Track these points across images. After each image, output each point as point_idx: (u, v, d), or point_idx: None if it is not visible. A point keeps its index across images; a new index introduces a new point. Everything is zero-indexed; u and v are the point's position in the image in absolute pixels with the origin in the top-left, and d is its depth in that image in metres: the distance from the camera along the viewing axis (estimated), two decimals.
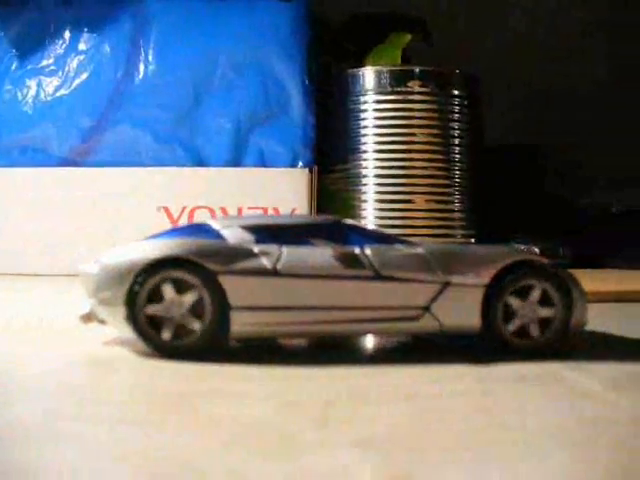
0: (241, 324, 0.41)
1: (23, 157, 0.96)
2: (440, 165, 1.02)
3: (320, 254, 0.42)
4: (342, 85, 1.03)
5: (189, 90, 0.96)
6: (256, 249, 0.42)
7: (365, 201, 1.01)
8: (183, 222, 0.95)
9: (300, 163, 0.97)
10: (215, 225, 0.44)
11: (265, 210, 0.96)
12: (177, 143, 0.96)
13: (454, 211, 1.03)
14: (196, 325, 0.41)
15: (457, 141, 1.03)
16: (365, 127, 1.01)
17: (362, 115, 1.01)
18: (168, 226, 0.95)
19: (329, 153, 1.05)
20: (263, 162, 0.97)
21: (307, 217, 0.49)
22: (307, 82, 0.98)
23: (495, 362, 0.42)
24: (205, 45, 0.96)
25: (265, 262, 0.41)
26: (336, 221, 0.47)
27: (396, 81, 0.99)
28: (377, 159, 1.01)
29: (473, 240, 1.03)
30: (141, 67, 0.96)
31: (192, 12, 0.96)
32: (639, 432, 0.29)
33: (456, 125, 1.03)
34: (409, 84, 0.99)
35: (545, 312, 0.43)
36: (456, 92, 1.03)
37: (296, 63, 0.97)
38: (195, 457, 0.24)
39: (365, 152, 1.01)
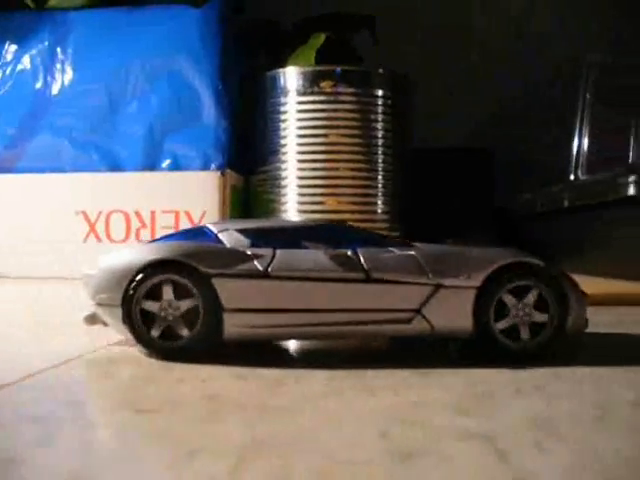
0: (234, 326, 0.41)
1: None
2: (362, 166, 1.00)
3: (313, 257, 0.42)
4: (262, 87, 1.03)
5: (105, 98, 0.99)
6: (250, 252, 0.42)
7: (286, 202, 1.01)
8: (100, 225, 0.99)
9: (212, 166, 0.99)
10: (213, 229, 0.45)
11: (177, 213, 0.98)
12: (94, 149, 0.99)
13: (377, 212, 1.01)
14: (184, 332, 0.41)
15: (380, 142, 1.01)
16: (285, 129, 1.01)
17: (282, 117, 1.01)
18: (86, 229, 0.99)
19: (255, 155, 1.06)
20: (177, 166, 0.99)
21: (305, 220, 0.50)
22: (220, 87, 0.99)
23: None
24: (119, 54, 0.99)
25: (258, 265, 0.41)
26: (333, 224, 0.47)
27: (311, 82, 0.99)
28: (298, 160, 1.00)
29: None
30: (59, 77, 1.00)
31: (107, 23, 1.00)
32: None
33: (379, 125, 1.01)
34: (322, 84, 0.99)
35: (539, 317, 0.42)
36: (380, 92, 1.01)
37: (208, 68, 0.98)
38: None
39: (285, 153, 1.01)
